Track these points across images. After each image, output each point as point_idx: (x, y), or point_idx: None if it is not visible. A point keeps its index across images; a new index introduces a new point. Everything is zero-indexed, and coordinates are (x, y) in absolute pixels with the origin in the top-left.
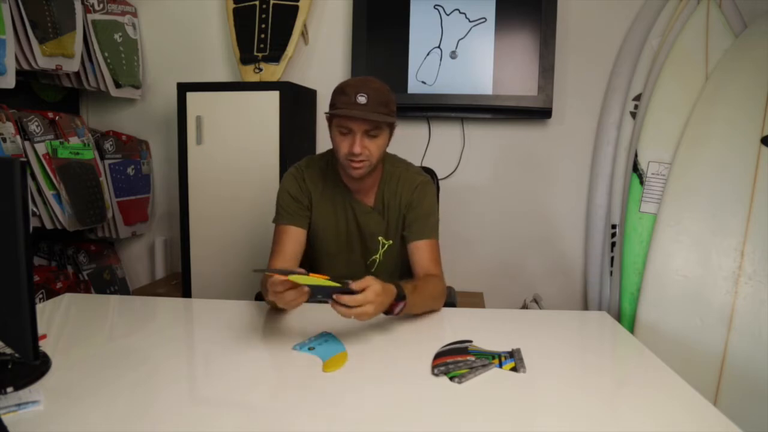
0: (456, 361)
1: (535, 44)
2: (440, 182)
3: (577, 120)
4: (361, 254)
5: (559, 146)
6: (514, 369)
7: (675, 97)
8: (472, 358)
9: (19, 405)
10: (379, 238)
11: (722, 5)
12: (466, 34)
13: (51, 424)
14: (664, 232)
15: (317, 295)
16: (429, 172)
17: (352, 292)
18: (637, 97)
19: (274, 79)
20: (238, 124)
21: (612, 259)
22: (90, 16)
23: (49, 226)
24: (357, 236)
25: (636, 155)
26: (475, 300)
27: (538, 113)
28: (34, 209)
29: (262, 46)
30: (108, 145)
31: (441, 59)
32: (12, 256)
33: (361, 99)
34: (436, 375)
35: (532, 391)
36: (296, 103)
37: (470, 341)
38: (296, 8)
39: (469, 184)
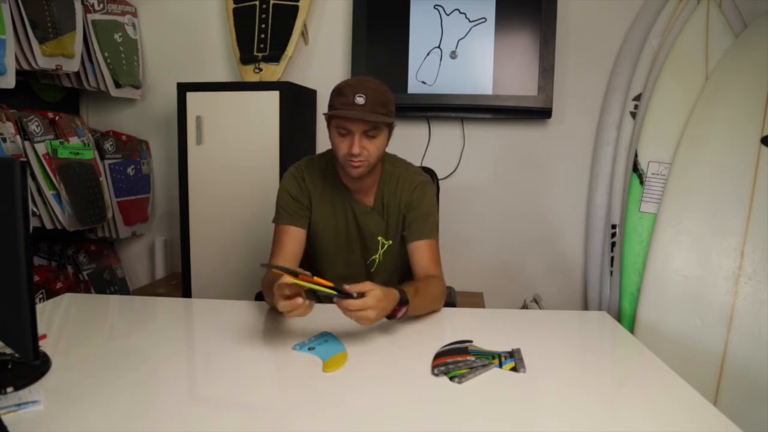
0: (456, 361)
1: (535, 44)
2: (440, 182)
3: (577, 120)
4: (361, 254)
5: (559, 146)
6: (514, 369)
7: (675, 97)
8: (472, 358)
9: (19, 405)
10: (379, 238)
11: (722, 5)
12: (466, 34)
13: (51, 424)
14: (664, 232)
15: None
16: (429, 172)
17: (352, 297)
18: (637, 97)
19: (274, 79)
20: (238, 124)
21: (612, 259)
22: (90, 16)
23: (49, 226)
24: (356, 236)
25: (636, 155)
26: (475, 300)
27: (538, 113)
28: (34, 209)
29: (262, 46)
30: (108, 145)
31: (441, 59)
32: (12, 256)
33: (360, 99)
34: (436, 375)
35: (532, 391)
36: (296, 103)
37: (470, 341)
38: (296, 8)
39: (469, 184)
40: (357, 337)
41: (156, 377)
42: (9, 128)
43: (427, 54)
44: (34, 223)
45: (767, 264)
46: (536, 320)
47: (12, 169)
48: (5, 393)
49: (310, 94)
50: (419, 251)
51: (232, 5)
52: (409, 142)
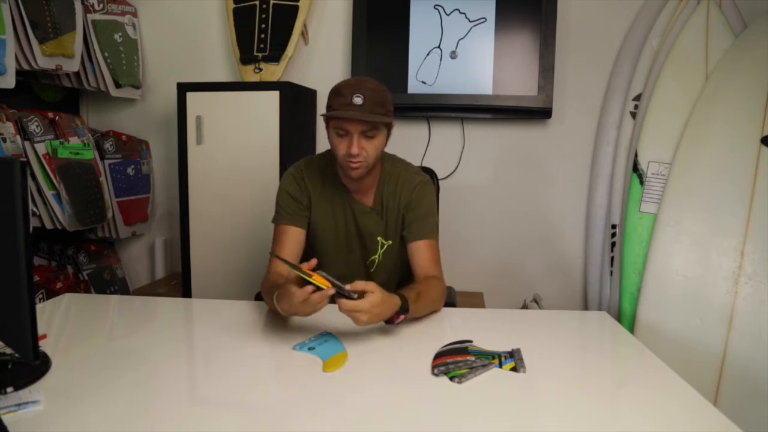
0: (456, 361)
1: (535, 44)
2: (440, 182)
3: (577, 120)
4: (361, 254)
5: (559, 146)
6: (514, 369)
7: (675, 97)
8: (472, 358)
9: (19, 405)
10: (378, 238)
11: (722, 5)
12: (466, 34)
13: (51, 424)
14: (664, 232)
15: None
16: (429, 172)
17: (351, 298)
18: (637, 97)
19: (274, 79)
20: (238, 124)
21: (612, 259)
22: (90, 16)
23: (49, 226)
24: (356, 236)
25: (636, 155)
26: (475, 300)
27: (538, 113)
28: (34, 209)
29: (262, 46)
30: (108, 145)
31: (441, 59)
32: (12, 256)
33: (357, 100)
34: (436, 375)
35: (532, 391)
36: (296, 103)
37: (470, 341)
38: (296, 8)
39: (469, 184)
40: (357, 337)
41: (156, 377)
42: (9, 128)
43: (427, 54)
44: (34, 223)
45: (767, 264)
46: (536, 320)
47: (12, 169)
48: (5, 393)
49: (310, 94)
50: (419, 251)
51: (232, 5)
52: (409, 142)
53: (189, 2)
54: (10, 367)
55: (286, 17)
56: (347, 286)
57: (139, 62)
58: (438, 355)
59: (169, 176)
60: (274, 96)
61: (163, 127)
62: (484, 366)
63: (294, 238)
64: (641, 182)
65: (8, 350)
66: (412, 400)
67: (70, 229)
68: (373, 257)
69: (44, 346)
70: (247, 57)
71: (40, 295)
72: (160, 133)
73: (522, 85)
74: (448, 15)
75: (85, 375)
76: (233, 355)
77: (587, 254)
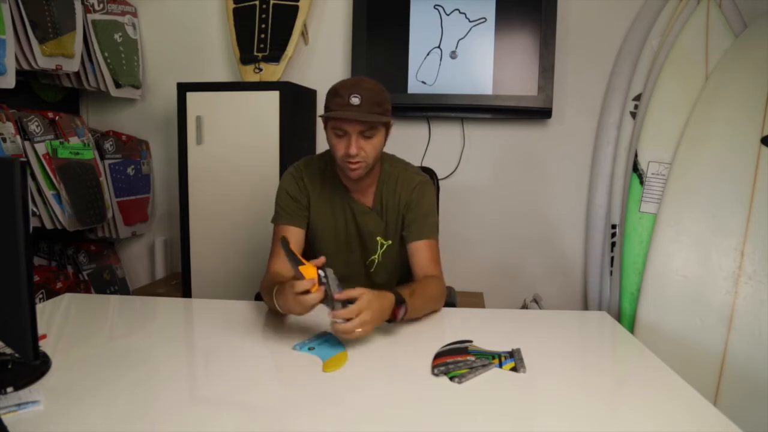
0: (456, 361)
1: (535, 44)
2: (440, 182)
3: (577, 120)
4: (360, 254)
5: (559, 146)
6: (514, 369)
7: (675, 97)
8: (472, 358)
9: (19, 405)
10: (378, 238)
11: (722, 5)
12: (466, 34)
13: (51, 424)
14: (664, 232)
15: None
16: (429, 172)
17: (335, 308)
18: (637, 97)
19: (274, 79)
20: (238, 124)
21: (612, 259)
22: (90, 16)
23: (49, 226)
24: (356, 236)
25: (636, 155)
26: (475, 300)
27: (538, 113)
28: (34, 209)
29: (262, 46)
30: (108, 145)
31: (441, 59)
32: (12, 256)
33: (355, 100)
34: (436, 375)
35: (532, 391)
36: (296, 103)
37: (470, 341)
38: (296, 8)
39: (469, 184)
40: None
41: (156, 377)
42: (9, 128)
43: (427, 54)
44: (34, 223)
45: (767, 264)
46: (536, 320)
47: (12, 169)
48: (5, 393)
49: (310, 94)
50: (418, 251)
51: (232, 5)
52: (409, 142)
53: (189, 2)
54: (10, 367)
55: (286, 17)
56: (336, 295)
57: (139, 62)
58: (438, 355)
59: (169, 176)
60: (274, 96)
61: (163, 127)
62: (484, 366)
63: (293, 238)
64: (641, 182)
65: (8, 350)
66: (412, 400)
67: (70, 229)
68: (372, 257)
69: (44, 346)
70: (247, 57)
71: (40, 295)
72: (160, 133)
73: (522, 85)
74: (448, 15)
75: (85, 375)
76: (233, 355)
77: (587, 254)
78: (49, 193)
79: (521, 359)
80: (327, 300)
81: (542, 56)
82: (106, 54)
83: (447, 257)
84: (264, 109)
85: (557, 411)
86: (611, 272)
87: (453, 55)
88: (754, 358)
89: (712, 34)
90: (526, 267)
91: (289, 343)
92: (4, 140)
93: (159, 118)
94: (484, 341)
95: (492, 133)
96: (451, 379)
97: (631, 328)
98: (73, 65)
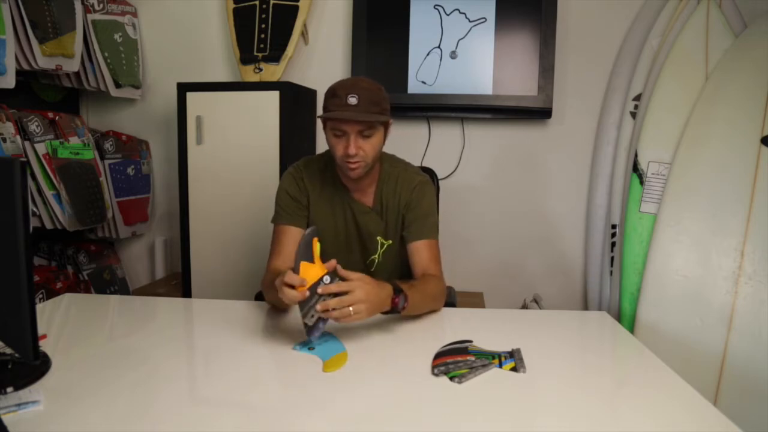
0: (456, 361)
1: (535, 44)
2: (440, 182)
3: (577, 120)
4: (360, 254)
5: (559, 146)
6: (514, 369)
7: (675, 97)
8: (472, 358)
9: (19, 405)
10: (378, 238)
11: (722, 5)
12: (466, 34)
13: (51, 424)
14: (664, 232)
15: (310, 300)
16: (429, 172)
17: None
18: (637, 97)
19: (274, 79)
20: (238, 124)
21: (612, 259)
22: (90, 16)
23: (49, 226)
24: (356, 236)
25: (636, 155)
26: (475, 300)
27: (538, 113)
28: (34, 209)
29: (262, 46)
30: (108, 145)
31: (441, 59)
32: (12, 256)
33: (352, 100)
34: (436, 375)
35: (532, 391)
36: (296, 103)
37: (470, 341)
38: (296, 8)
39: (469, 184)
40: (357, 337)
41: (156, 377)
42: (9, 128)
43: (427, 54)
44: (34, 223)
45: (767, 264)
46: (536, 320)
47: (12, 169)
48: (5, 393)
49: (310, 94)
50: (418, 251)
51: (232, 5)
52: (409, 142)
53: (189, 2)
54: (10, 367)
55: (286, 17)
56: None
57: (139, 62)
58: (438, 355)
59: (169, 176)
60: (274, 96)
61: (163, 127)
62: (484, 366)
63: (293, 238)
64: (641, 182)
65: (8, 350)
66: (412, 400)
67: (70, 229)
68: (372, 257)
69: (44, 346)
70: (247, 57)
71: (40, 295)
72: (160, 133)
73: (522, 85)
74: (448, 15)
75: (85, 375)
76: (233, 355)
77: (587, 254)
78: (49, 193)
79: (521, 359)
80: (304, 307)
81: (542, 56)
82: (106, 54)
83: (447, 257)
84: (264, 109)
85: (557, 411)
86: (611, 272)
87: (453, 55)
88: (754, 358)
89: (712, 34)
90: (526, 267)
91: (289, 343)
92: (4, 140)
93: (159, 118)
94: (484, 341)
95: (492, 133)
96: (451, 379)
97: (631, 328)
98: (73, 65)
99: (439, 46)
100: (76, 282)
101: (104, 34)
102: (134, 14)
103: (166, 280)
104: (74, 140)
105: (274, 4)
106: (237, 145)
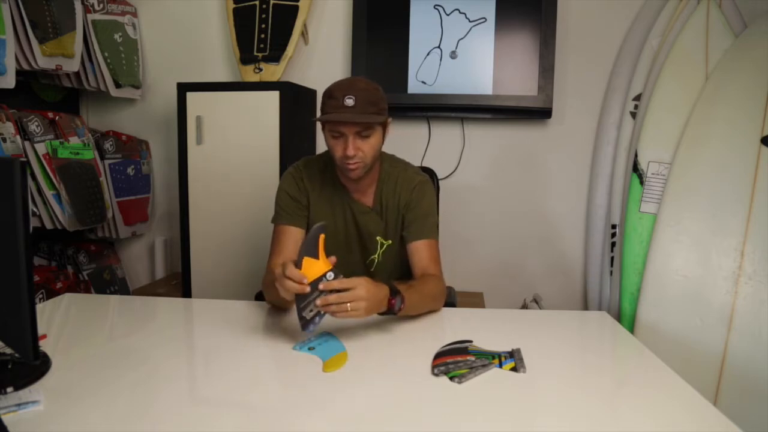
0: (456, 361)
1: (535, 44)
2: (440, 182)
3: (577, 120)
4: (360, 254)
5: (559, 146)
6: (514, 369)
7: (675, 97)
8: (472, 358)
9: (19, 405)
10: (378, 238)
11: (722, 5)
12: (466, 34)
13: (51, 424)
14: (664, 232)
15: (311, 294)
16: (429, 172)
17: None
18: (637, 97)
19: (274, 79)
20: (238, 124)
21: (612, 259)
22: (90, 16)
23: (49, 226)
24: (355, 236)
25: (636, 155)
26: (475, 300)
27: (538, 113)
28: (34, 209)
29: (262, 46)
30: (108, 145)
31: (441, 59)
32: (12, 256)
33: (349, 101)
34: (436, 375)
35: (532, 391)
36: (296, 103)
37: (470, 341)
38: (296, 8)
39: (469, 184)
40: (357, 337)
41: (156, 377)
42: (9, 128)
43: (427, 54)
44: (34, 223)
45: (767, 264)
46: (536, 320)
47: (12, 169)
48: (5, 393)
49: (310, 94)
50: (418, 251)
51: (232, 5)
52: (409, 142)
53: (189, 2)
54: (10, 367)
55: (286, 17)
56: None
57: (139, 62)
58: (438, 355)
59: (169, 176)
60: (274, 96)
61: (163, 127)
62: (484, 366)
63: (293, 238)
64: (641, 182)
65: (8, 350)
66: (412, 399)
67: (70, 229)
68: (372, 257)
69: (44, 346)
70: (247, 57)
71: (40, 295)
72: (160, 133)
73: (522, 85)
74: (448, 15)
75: (85, 375)
76: (233, 355)
77: (587, 254)
78: (49, 193)
79: (521, 359)
80: (303, 301)
81: (542, 56)
82: (106, 54)
83: (447, 257)
84: (264, 109)
85: (557, 411)
86: (611, 272)
87: (453, 55)
88: (754, 358)
89: (712, 34)
90: (526, 267)
91: (289, 343)
92: (4, 140)
93: (159, 118)
94: (484, 341)
95: (492, 133)
96: (451, 379)
97: (631, 328)
98: (73, 65)
99: (439, 46)
100: (76, 282)
101: (104, 34)
102: (134, 14)
103: (166, 280)
104: (74, 140)
105: (274, 4)
106: (237, 145)
